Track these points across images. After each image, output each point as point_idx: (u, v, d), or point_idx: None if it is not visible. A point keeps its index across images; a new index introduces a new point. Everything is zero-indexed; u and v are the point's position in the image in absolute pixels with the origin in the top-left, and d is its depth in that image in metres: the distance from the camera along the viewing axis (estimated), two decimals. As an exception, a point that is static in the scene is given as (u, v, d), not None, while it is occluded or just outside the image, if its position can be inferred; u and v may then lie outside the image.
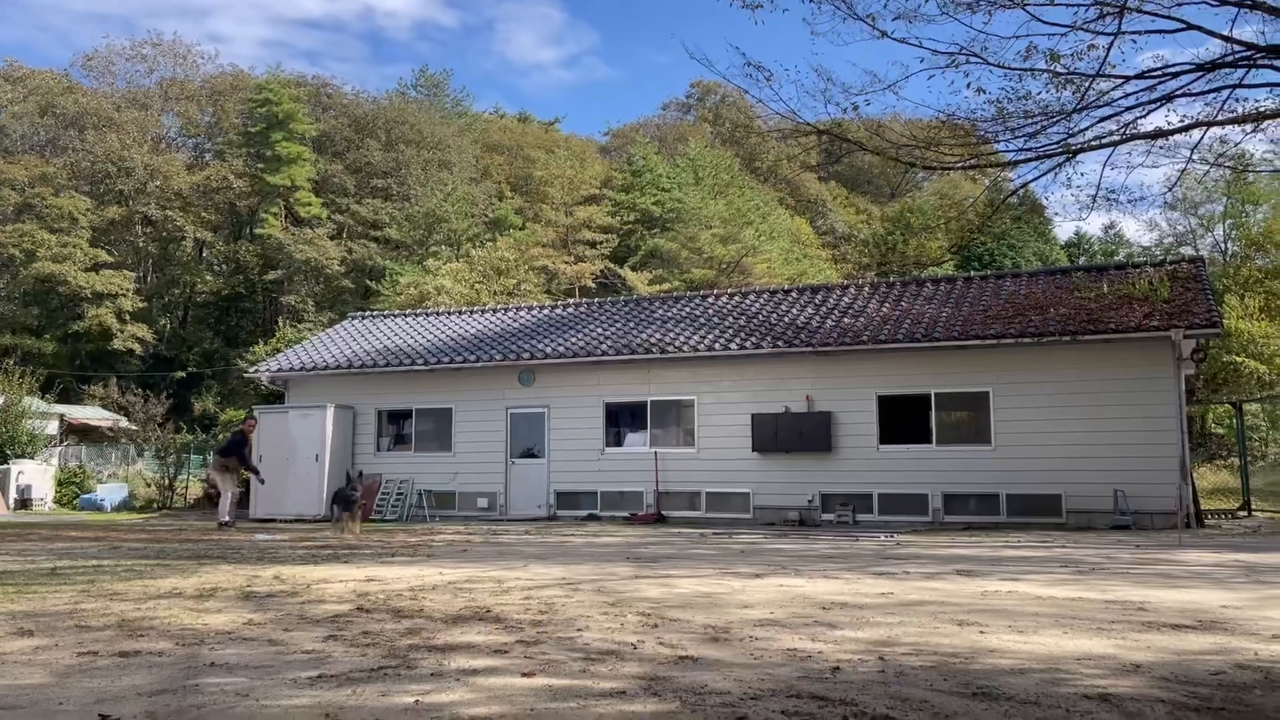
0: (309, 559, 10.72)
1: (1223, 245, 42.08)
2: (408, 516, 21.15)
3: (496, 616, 6.25)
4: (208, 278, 52.02)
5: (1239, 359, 29.72)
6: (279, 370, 23.55)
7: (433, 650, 5.06)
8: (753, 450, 19.33)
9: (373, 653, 5.00)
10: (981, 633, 5.58)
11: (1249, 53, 15.75)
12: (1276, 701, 3.89)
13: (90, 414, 36.21)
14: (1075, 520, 16.84)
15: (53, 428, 31.43)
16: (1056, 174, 14.11)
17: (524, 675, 4.43)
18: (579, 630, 5.71)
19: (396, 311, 29.15)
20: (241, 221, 53.97)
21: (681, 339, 20.54)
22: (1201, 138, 17.27)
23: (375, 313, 29.15)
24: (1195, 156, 17.88)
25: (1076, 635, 5.49)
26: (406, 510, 21.35)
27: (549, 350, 21.21)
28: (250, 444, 18.71)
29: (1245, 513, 19.97)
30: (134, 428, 30.33)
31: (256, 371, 24.67)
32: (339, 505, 16.22)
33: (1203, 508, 18.35)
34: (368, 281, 45.34)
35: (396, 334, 24.67)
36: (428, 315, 26.68)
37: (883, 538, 14.38)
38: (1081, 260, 45.67)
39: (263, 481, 19.46)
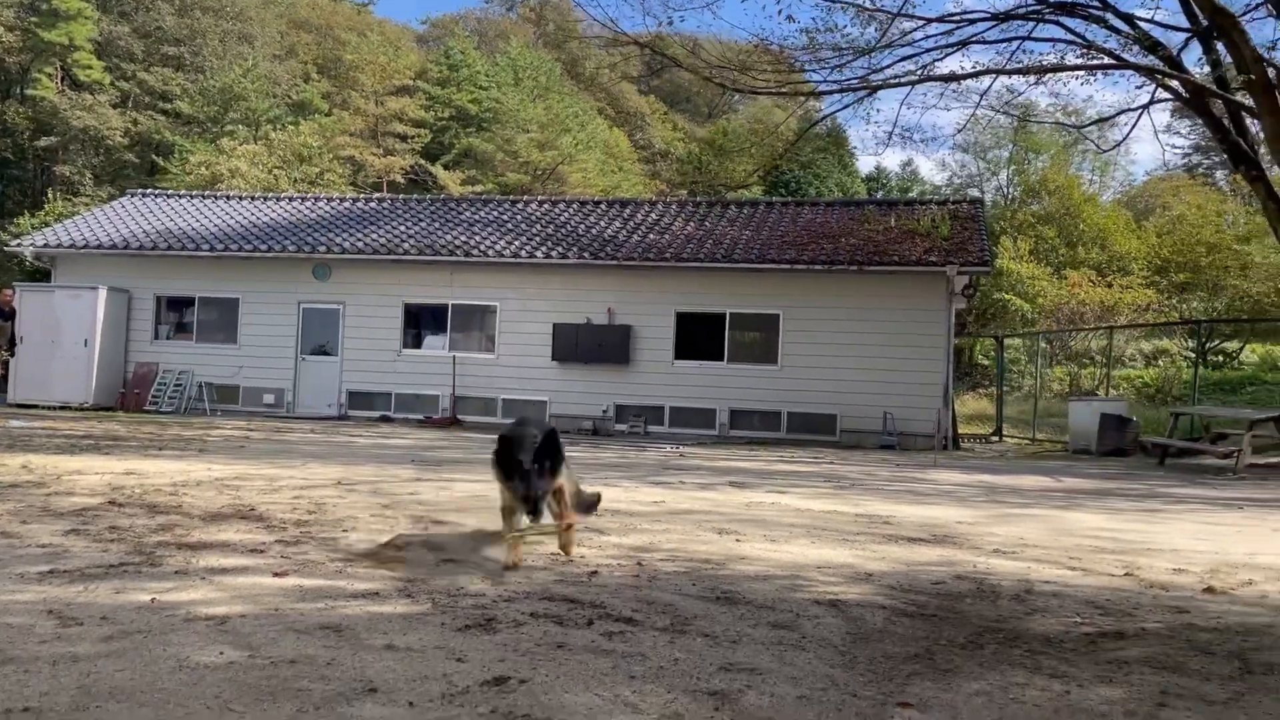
0: (66, 449, 10.09)
1: (1005, 189, 44.91)
2: (186, 409, 20.15)
3: (260, 515, 6.09)
4: (-33, 138, 46.89)
5: (1007, 297, 32.11)
6: (46, 245, 21.71)
7: (183, 548, 4.89)
8: (552, 359, 19.43)
9: (116, 549, 4.78)
10: (738, 541, 5.88)
11: (1039, 6, 16.69)
12: (982, 609, 4.30)
13: None
14: (848, 439, 17.90)
15: None
16: (858, 108, 14.59)
17: (276, 575, 4.35)
18: (345, 531, 5.64)
19: (185, 192, 27.28)
20: (11, 80, 48.67)
21: (488, 243, 20.24)
22: (991, 85, 18.32)
23: (161, 191, 27.16)
24: (984, 103, 18.98)
25: (822, 545, 5.87)
26: (185, 403, 20.33)
27: (348, 245, 20.45)
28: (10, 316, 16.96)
29: (997, 438, 21.77)
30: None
31: (20, 245, 22.64)
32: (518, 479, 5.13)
33: (960, 432, 19.87)
34: (155, 157, 42.10)
35: (183, 215, 23.13)
36: (219, 198, 25.11)
37: (669, 449, 14.85)
38: (879, 194, 47.74)
39: (5, 363, 17.75)
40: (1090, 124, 24.22)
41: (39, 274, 23.98)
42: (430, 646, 3.28)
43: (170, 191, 27.38)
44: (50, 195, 40.28)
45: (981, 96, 18.17)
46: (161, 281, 21.15)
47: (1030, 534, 6.73)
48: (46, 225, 29.28)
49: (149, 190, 27.20)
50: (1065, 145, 41.05)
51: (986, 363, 32.33)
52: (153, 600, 3.77)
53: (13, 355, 17.71)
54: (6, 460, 8.56)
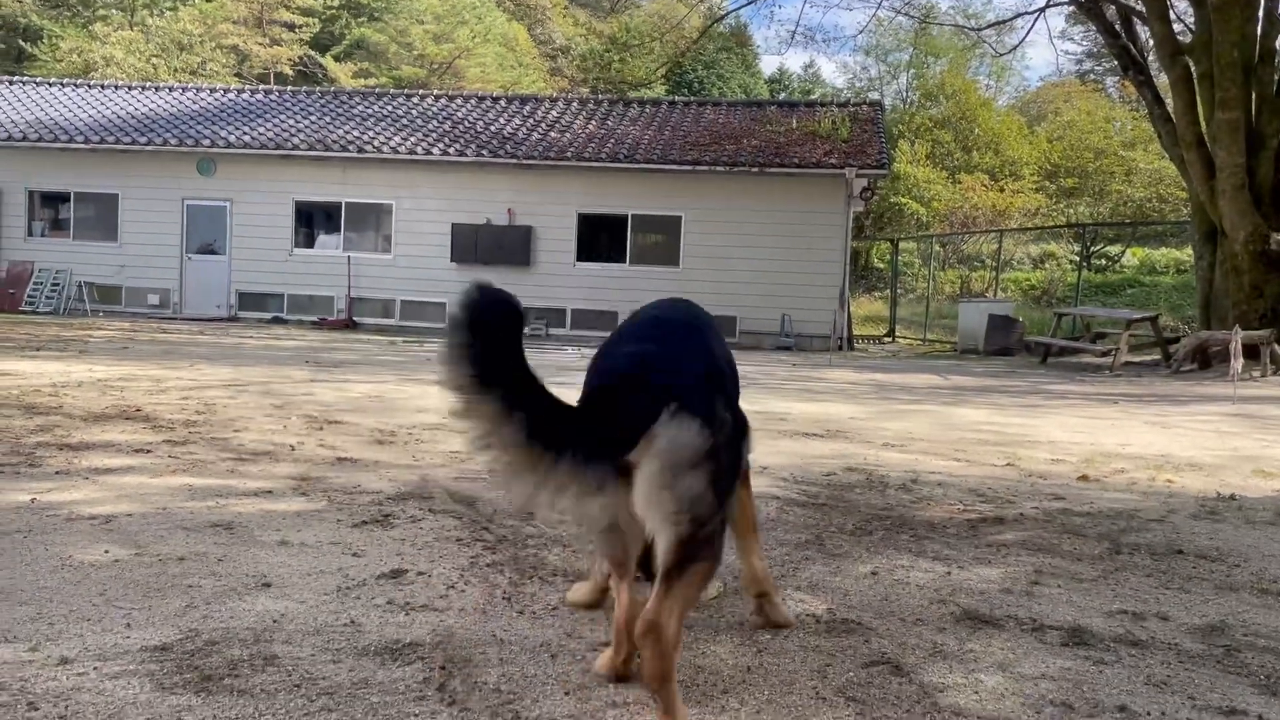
0: (-67, 351, 9.58)
1: (904, 93, 45.23)
2: (65, 310, 19.27)
3: (146, 416, 5.90)
4: None
5: (903, 200, 32.65)
6: (-100, 135, 20.22)
7: (64, 449, 4.71)
8: (451, 260, 19.08)
9: (-10, 451, 4.58)
10: (637, 438, 5.94)
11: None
12: (870, 498, 4.45)
13: None
14: (747, 340, 18.15)
15: None
16: (761, 5, 14.40)
17: (163, 474, 4.23)
18: (236, 431, 5.51)
19: (56, 80, 25.59)
20: None
21: (382, 139, 19.59)
22: (893, -15, 18.25)
23: (30, 79, 25.43)
24: (886, 3, 18.93)
25: (720, 441, 5.97)
26: (64, 303, 19.43)
27: (234, 139, 19.56)
28: None
29: (890, 339, 22.37)
30: None
31: None
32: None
33: (855, 333, 20.35)
34: (21, 42, 39.27)
35: (55, 105, 21.75)
36: (94, 87, 23.65)
37: (569, 350, 14.85)
38: (782, 96, 47.62)
39: None
40: (988, 26, 24.48)
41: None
42: (326, 542, 3.25)
43: (40, 79, 25.66)
44: (-97, 81, 37.38)
45: (883, -3, 18.12)
46: (34, 175, 19.98)
47: (919, 429, 6.97)
48: (-100, 113, 27.21)
49: (16, 78, 25.43)
50: (964, 49, 41.41)
51: (882, 266, 32.98)
52: (32, 500, 3.63)
53: None
54: None
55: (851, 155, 18.08)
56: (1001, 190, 32.90)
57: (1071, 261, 28.57)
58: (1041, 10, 18.66)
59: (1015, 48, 33.01)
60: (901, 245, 26.18)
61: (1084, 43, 43.32)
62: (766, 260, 18.10)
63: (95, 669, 2.12)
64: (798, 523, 3.87)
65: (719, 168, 18.15)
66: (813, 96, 46.14)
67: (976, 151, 37.66)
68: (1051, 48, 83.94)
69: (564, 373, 10.49)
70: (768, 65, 55.82)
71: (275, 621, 2.46)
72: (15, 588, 2.63)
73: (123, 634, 2.33)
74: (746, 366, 12.53)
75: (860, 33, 40.61)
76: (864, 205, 20.15)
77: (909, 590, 3.01)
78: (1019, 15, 20.94)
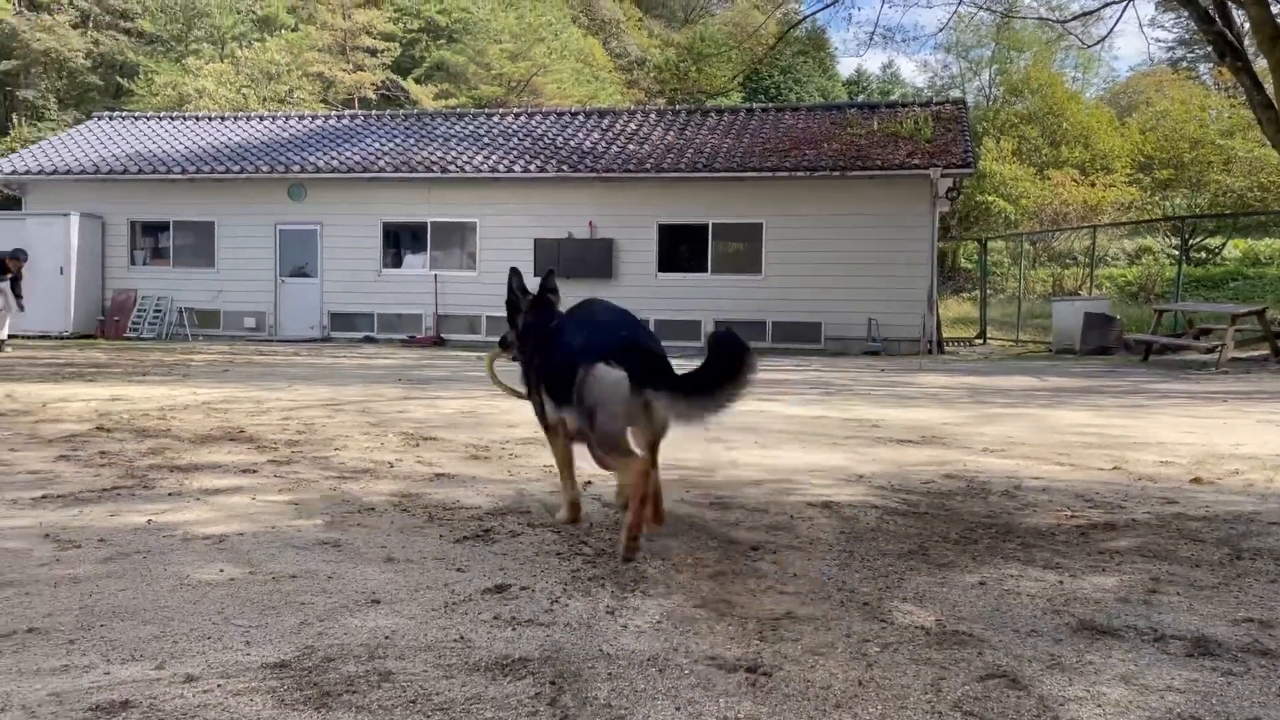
0: (49, 377, 10.01)
1: (987, 90, 44.38)
2: (167, 335, 20.01)
3: (250, 437, 6.07)
4: (-76, 64, 45.50)
5: (990, 198, 31.97)
6: (14, 173, 21.26)
7: (175, 470, 4.87)
8: (535, 275, 19.13)
9: (108, 473, 4.76)
10: (728, 449, 5.91)
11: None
12: (972, 506, 4.34)
13: None
14: (833, 346, 17.96)
15: None
16: (838, 8, 14.30)
17: (270, 494, 4.35)
18: (336, 450, 5.64)
19: (153, 113, 26.65)
20: (-37, 1, 47.11)
21: (465, 158, 19.93)
22: (974, -19, 17.93)
23: (128, 113, 26.54)
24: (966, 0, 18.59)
25: (813, 450, 5.91)
26: (166, 329, 20.18)
27: (322, 164, 20.10)
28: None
29: (981, 341, 21.91)
30: None
31: (-13, 173, 22.17)
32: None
33: (945, 336, 19.98)
34: (119, 79, 41.05)
35: (152, 138, 22.65)
36: (188, 119, 24.57)
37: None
38: (860, 98, 47.12)
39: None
40: (1074, 18, 23.89)
41: (9, 202, 23.53)
42: (430, 558, 3.30)
43: (138, 113, 26.76)
44: (15, 121, 39.34)
45: (964, -7, 17.79)
46: (135, 206, 20.81)
47: (1017, 433, 6.79)
48: (13, 151, 28.62)
49: (116, 113, 26.56)
50: (1048, 42, 40.44)
51: (970, 266, 32.34)
52: (149, 521, 3.76)
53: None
54: (-11, 390, 8.50)
55: (935, 155, 17.78)
56: (1093, 185, 31.98)
57: (1170, 256, 27.64)
58: (1130, -2, 18.10)
59: (1104, 38, 32.14)
60: (990, 244, 25.62)
61: (1175, 29, 42.03)
62: (851, 264, 17.90)
63: (219, 686, 2.18)
64: (899, 532, 3.80)
65: (799, 173, 18.01)
66: (893, 97, 45.56)
67: (1065, 146, 36.68)
68: (1141, 36, 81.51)
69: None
70: (845, 68, 55.37)
71: (387, 638, 2.50)
72: (139, 607, 2.72)
73: (243, 651, 2.39)
74: (834, 373, 12.42)
75: (941, 30, 40.02)
76: (949, 205, 19.81)
77: (1020, 600, 2.93)
78: (1106, 5, 20.35)
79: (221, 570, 3.11)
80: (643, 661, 2.37)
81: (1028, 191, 32.46)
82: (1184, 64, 46.12)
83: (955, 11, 17.50)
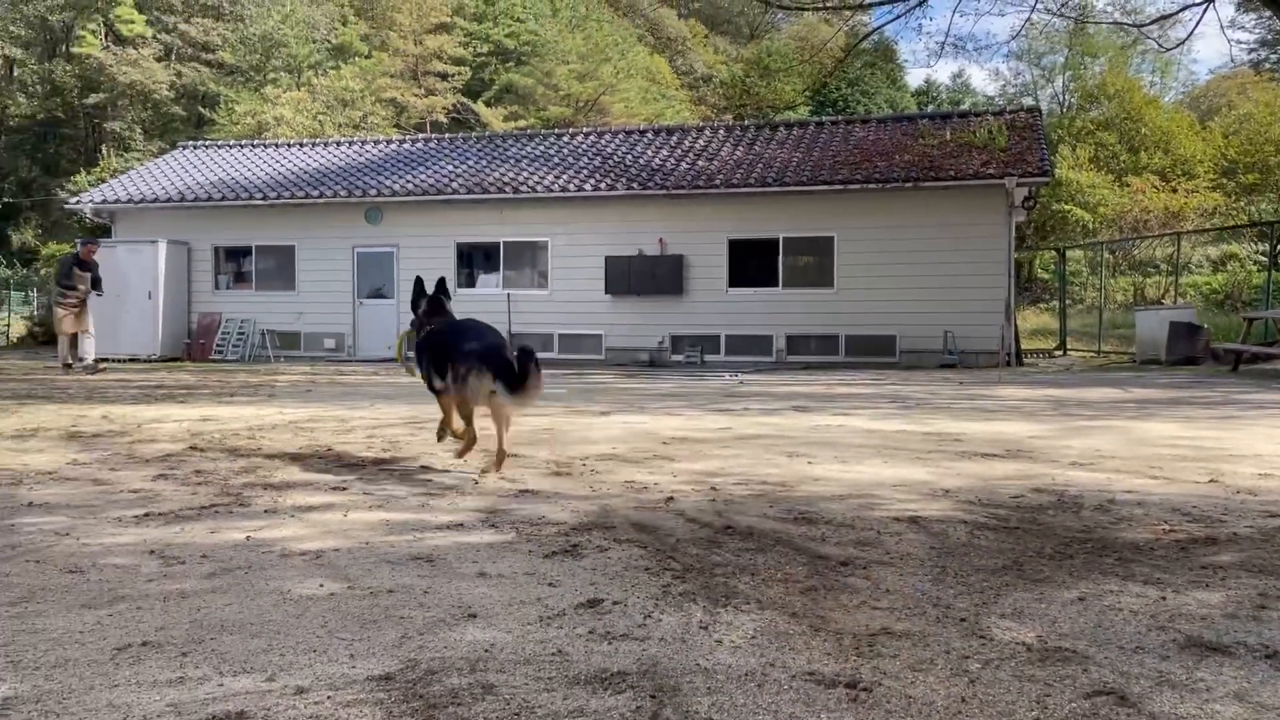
0: (141, 399, 10.34)
1: (1061, 96, 43.56)
2: (250, 357, 20.55)
3: (338, 455, 6.21)
4: (20, 100, 47.51)
5: (1067, 207, 31.33)
6: (104, 202, 22.08)
7: (268, 488, 5.00)
8: (605, 293, 19.42)
9: (204, 491, 4.91)
10: (809, 463, 5.88)
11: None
12: (1064, 520, 4.26)
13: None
14: (907, 360, 17.74)
15: None
16: (908, 19, 14.21)
17: (360, 510, 4.44)
18: (421, 467, 5.73)
19: (233, 141, 27.48)
20: (56, 39, 49.12)
21: (535, 178, 20.17)
22: (1047, -13, 17.66)
23: (210, 142, 27.41)
24: (1039, 6, 18.33)
25: (895, 464, 5.85)
26: (249, 350, 20.73)
27: (397, 187, 20.51)
28: (78, 271, 16.30)
29: (1061, 352, 21.44)
30: (-58, 262, 28.14)
31: (79, 203, 23.09)
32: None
33: (1023, 347, 19.60)
34: (201, 109, 42.39)
35: (233, 166, 23.35)
36: (267, 147, 25.28)
37: (727, 377, 14.84)
38: (930, 108, 46.59)
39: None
40: (1151, 22, 23.35)
41: (99, 230, 24.42)
42: (521, 573, 3.34)
43: (219, 142, 27.60)
44: (104, 152, 40.84)
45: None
46: (219, 232, 21.45)
47: (1106, 445, 6.64)
48: (103, 181, 29.74)
49: (199, 142, 27.44)
50: (1124, 46, 39.62)
51: (1047, 276, 31.69)
52: (247, 538, 3.87)
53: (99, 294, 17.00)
54: (87, 411, 8.81)
55: (1010, 164, 17.50)
56: (1174, 191, 31.16)
57: (1257, 262, 26.75)
58: (1209, 0, 17.65)
59: (1183, 41, 31.31)
60: (1068, 254, 25.10)
61: (1257, 30, 40.77)
62: (925, 276, 17.68)
63: (329, 698, 2.23)
64: (991, 547, 3.74)
65: (871, 185, 17.87)
66: (963, 106, 44.99)
67: (1144, 152, 35.84)
68: (1221, 37, 79.26)
69: (730, 399, 10.51)
70: (914, 78, 54.81)
71: (486, 651, 2.54)
72: (246, 621, 2.80)
73: (348, 664, 2.45)
74: (911, 387, 12.26)
75: (1013, 38, 39.36)
76: (1025, 215, 19.46)
77: (1122, 616, 2.86)
78: (1185, 7, 19.83)
79: (321, 585, 3.18)
80: (741, 676, 2.37)
81: (1106, 199, 31.75)
82: (1267, 65, 44.71)
83: (1028, 19, 17.23)
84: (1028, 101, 40.90)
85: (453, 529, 4.07)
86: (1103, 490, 4.92)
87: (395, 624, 2.77)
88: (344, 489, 5.00)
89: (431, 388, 5.66)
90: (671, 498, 4.78)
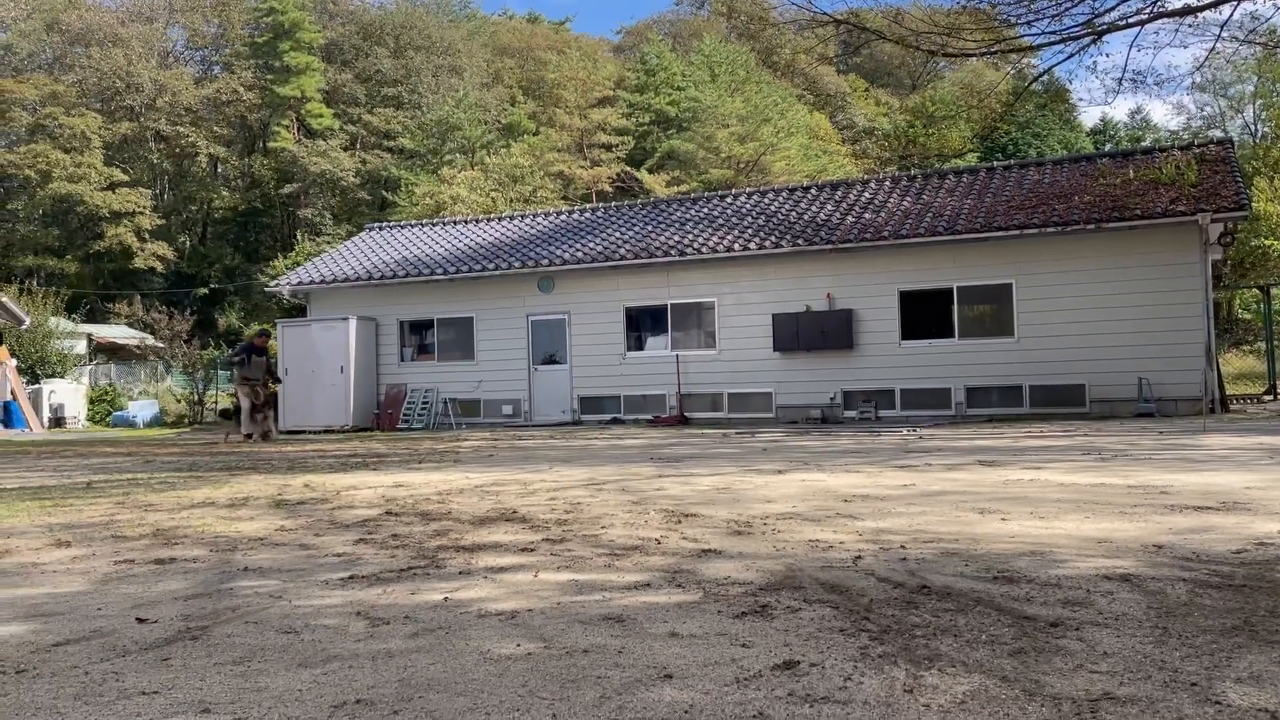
0: (338, 467, 10.90)
1: (1252, 126, 41.03)
2: (434, 425, 21.40)
3: (523, 517, 6.35)
4: (224, 193, 51.88)
5: (1268, 242, 29.19)
6: (300, 284, 23.62)
7: (460, 550, 5.16)
8: (774, 350, 19.32)
9: (402, 554, 5.10)
10: (1003, 520, 5.62)
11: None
12: (1297, 577, 3.90)
13: (117, 333, 36.60)
14: (1098, 409, 16.82)
15: (81, 347, 31.86)
16: (1081, 57, 13.77)
17: (549, 571, 4.52)
18: (603, 528, 5.79)
19: (414, 221, 29.03)
20: (254, 135, 53.55)
21: (700, 240, 20.38)
22: (1231, 14, 16.73)
23: (392, 223, 29.05)
24: (1225, 34, 17.35)
25: (1098, 519, 5.52)
26: (433, 419, 21.60)
27: (567, 256, 21.12)
28: (250, 357, 17.76)
29: (1271, 396, 19.88)
30: (160, 345, 30.68)
31: (278, 285, 24.78)
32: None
33: (1228, 393, 18.28)
34: (383, 192, 45.13)
35: (415, 244, 24.62)
36: (445, 224, 26.57)
37: (905, 432, 14.44)
38: (1107, 147, 44.66)
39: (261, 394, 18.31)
40: (1353, 41, 21.65)
41: (296, 310, 26.16)
42: (712, 633, 3.30)
43: (401, 223, 29.21)
44: (298, 237, 43.88)
45: (1222, 28, 16.59)
46: (403, 307, 22.57)
47: (1337, 495, 6.07)
48: (298, 265, 31.92)
49: (383, 224, 29.11)
50: (1322, 69, 37.00)
51: (1249, 316, 29.57)
52: (445, 599, 3.99)
53: (278, 383, 19.23)
54: (290, 481, 9.35)
55: (1203, 199, 16.51)
56: (1389, 218, 28.62)
57: None
58: None
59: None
60: (1273, 291, 23.36)
61: None
62: (1114, 321, 16.80)
63: (535, 756, 2.25)
64: (1217, 607, 3.46)
65: (1050, 229, 17.20)
66: (1145, 143, 42.93)
67: (1353, 178, 33.13)
68: None
69: (910, 454, 10.22)
70: (1089, 117, 52.70)
71: (686, 712, 2.51)
72: (450, 680, 2.88)
73: (551, 723, 2.47)
74: (1105, 437, 11.61)
75: (1197, 69, 37.40)
76: (1222, 252, 18.27)
77: (1382, 684, 2.58)
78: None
79: (518, 645, 3.24)
80: (953, 743, 2.26)
81: (1312, 231, 29.43)
82: None
83: (1212, 48, 16.32)
84: (1216, 134, 38.69)
85: (639, 589, 4.08)
86: (1340, 545, 4.49)
87: (593, 684, 2.78)
88: (532, 550, 5.10)
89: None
90: (860, 556, 4.65)
